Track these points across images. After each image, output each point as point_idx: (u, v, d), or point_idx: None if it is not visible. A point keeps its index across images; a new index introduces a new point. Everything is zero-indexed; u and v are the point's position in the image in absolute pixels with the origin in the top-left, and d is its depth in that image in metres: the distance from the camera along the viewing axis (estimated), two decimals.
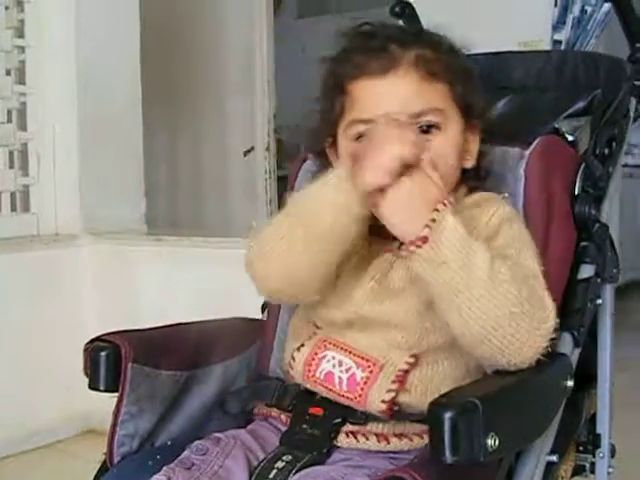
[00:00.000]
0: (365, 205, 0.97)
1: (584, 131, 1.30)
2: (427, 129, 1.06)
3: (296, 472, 1.00)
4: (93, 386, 1.08)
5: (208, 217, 4.24)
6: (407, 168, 0.95)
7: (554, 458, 1.08)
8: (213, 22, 4.24)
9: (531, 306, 0.94)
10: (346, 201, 0.97)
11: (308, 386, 1.08)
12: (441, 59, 1.08)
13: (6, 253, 2.60)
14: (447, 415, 0.82)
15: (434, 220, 0.93)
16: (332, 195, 0.98)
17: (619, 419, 1.31)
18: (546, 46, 3.35)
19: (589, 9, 3.38)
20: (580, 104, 1.34)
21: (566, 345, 1.08)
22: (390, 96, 1.06)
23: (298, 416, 1.08)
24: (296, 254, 1.02)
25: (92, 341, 1.09)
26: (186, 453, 1.06)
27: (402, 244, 0.95)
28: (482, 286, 0.92)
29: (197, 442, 1.08)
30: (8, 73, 2.77)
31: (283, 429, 1.10)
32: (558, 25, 3.39)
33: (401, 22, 1.45)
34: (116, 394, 1.08)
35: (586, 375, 1.22)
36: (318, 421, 1.06)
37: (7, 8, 2.76)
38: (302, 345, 1.09)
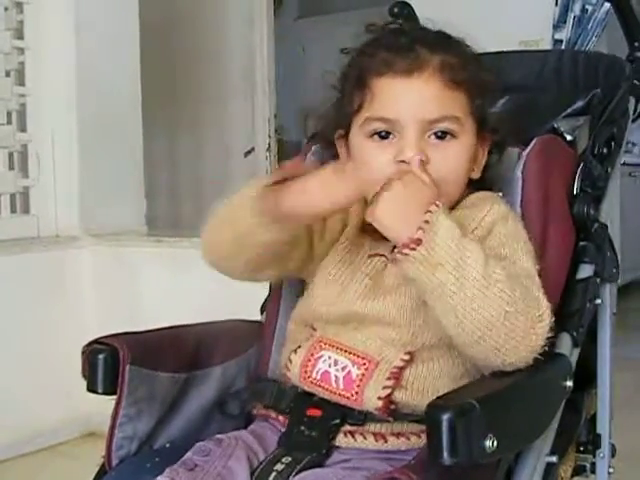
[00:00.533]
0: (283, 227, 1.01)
1: (583, 131, 1.30)
2: (442, 135, 1.06)
3: (295, 474, 1.00)
4: (91, 389, 1.07)
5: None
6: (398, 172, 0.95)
7: (554, 459, 1.07)
8: (213, 23, 4.24)
9: (525, 305, 0.94)
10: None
11: (305, 388, 1.08)
12: (465, 69, 1.08)
13: (6, 255, 2.59)
14: (445, 416, 0.81)
15: (427, 222, 0.93)
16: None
17: (619, 419, 1.30)
18: (547, 45, 3.35)
19: (590, 8, 3.38)
20: (579, 103, 1.34)
21: (565, 345, 1.08)
22: (411, 98, 1.06)
23: (296, 418, 1.08)
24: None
25: (90, 344, 1.09)
26: (189, 454, 1.05)
27: (395, 247, 0.95)
28: (476, 286, 0.92)
29: (199, 443, 1.08)
30: (7, 74, 2.76)
31: (283, 430, 1.10)
32: (559, 24, 3.39)
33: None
34: (115, 397, 1.08)
35: (586, 375, 1.22)
36: (316, 422, 1.06)
37: (6, 9, 2.74)
38: (299, 347, 1.09)
